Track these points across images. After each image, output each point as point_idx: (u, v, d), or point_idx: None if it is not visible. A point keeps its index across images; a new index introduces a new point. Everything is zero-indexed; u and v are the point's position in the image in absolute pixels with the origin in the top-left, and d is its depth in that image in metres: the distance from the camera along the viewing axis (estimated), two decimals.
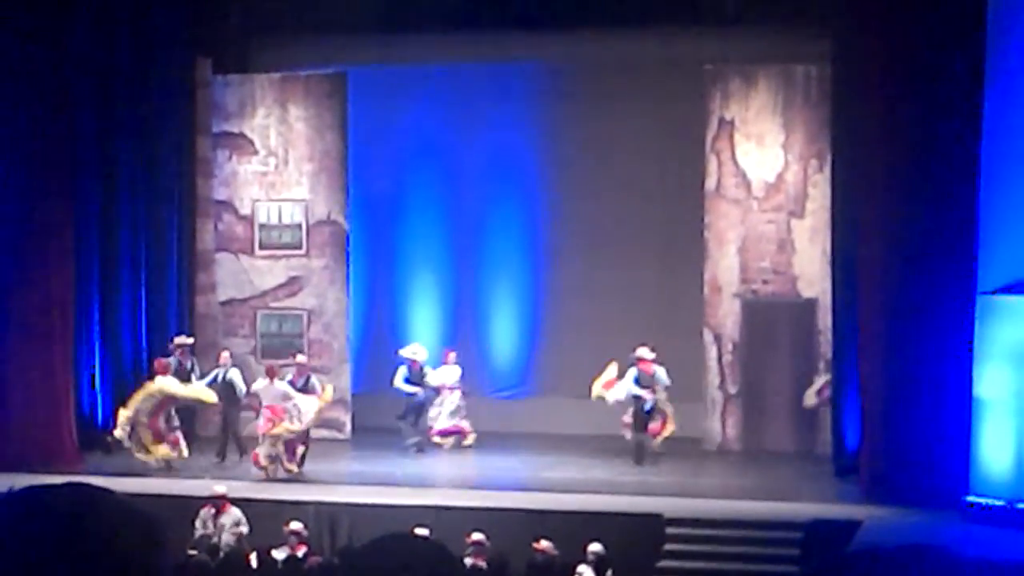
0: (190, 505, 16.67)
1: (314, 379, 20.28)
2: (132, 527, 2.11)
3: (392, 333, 23.29)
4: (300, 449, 19.33)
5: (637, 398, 20.38)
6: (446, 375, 21.81)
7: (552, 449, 21.14)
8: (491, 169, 23.63)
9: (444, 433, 21.73)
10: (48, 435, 20.11)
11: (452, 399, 21.78)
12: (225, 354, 21.44)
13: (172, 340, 21.38)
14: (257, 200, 23.42)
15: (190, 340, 21.47)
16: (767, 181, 21.79)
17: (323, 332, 23.13)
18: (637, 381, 20.35)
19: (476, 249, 23.89)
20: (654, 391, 20.35)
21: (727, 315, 21.99)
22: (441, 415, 21.75)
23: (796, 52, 21.60)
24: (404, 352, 21.44)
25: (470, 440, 21.76)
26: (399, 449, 21.22)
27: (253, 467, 19.16)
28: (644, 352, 20.45)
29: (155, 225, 22.86)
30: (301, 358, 21.00)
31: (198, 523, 16.64)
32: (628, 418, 20.60)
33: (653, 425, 20.29)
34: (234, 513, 16.82)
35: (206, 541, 16.22)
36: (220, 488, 17.08)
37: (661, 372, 20.44)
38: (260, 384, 19.76)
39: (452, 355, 22.00)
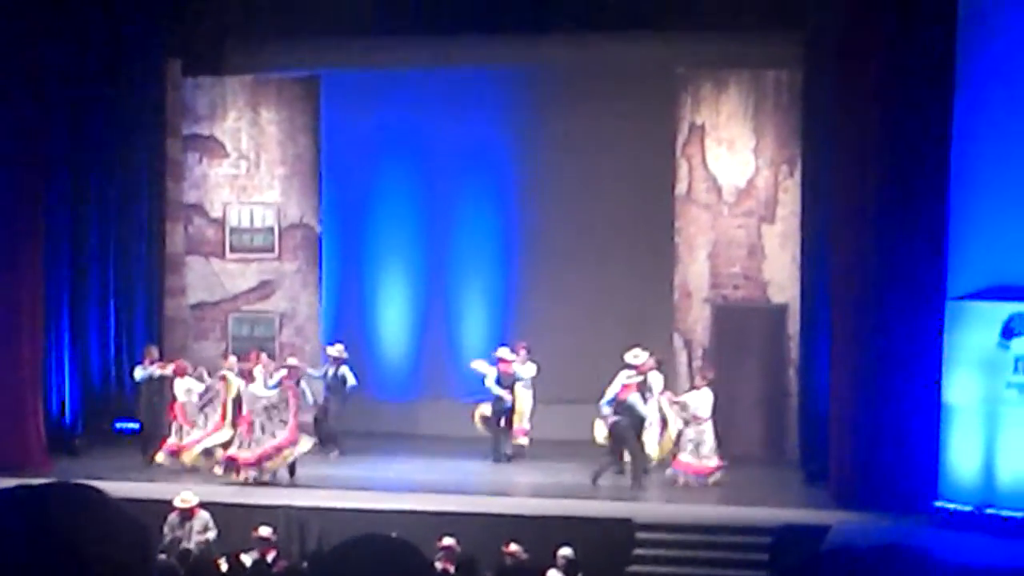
0: (157, 510, 16.54)
1: (303, 383, 20.23)
2: (123, 529, 2.10)
3: (364, 336, 23.25)
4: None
5: (498, 398, 20.63)
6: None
7: (523, 453, 21.11)
8: (464, 173, 23.62)
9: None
10: (15, 438, 19.97)
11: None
12: (339, 347, 21.43)
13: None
14: (228, 203, 23.36)
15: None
16: (738, 186, 21.84)
17: (295, 335, 23.09)
18: (498, 381, 20.61)
19: (448, 253, 23.88)
20: (512, 391, 20.57)
21: (697, 320, 22.03)
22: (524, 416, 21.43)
23: (767, 57, 21.64)
24: (497, 354, 21.15)
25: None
26: (380, 453, 21.22)
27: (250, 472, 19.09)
28: (504, 352, 20.70)
29: (125, 228, 22.80)
30: (292, 360, 20.83)
31: (166, 528, 16.56)
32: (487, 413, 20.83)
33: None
34: (202, 517, 16.75)
35: (175, 545, 16.15)
36: (189, 496, 16.97)
37: (525, 370, 20.60)
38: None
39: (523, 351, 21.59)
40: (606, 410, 19.43)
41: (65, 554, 2.02)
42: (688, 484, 19.11)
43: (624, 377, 19.41)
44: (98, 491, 2.14)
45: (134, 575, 2.09)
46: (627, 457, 19.35)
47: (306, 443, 19.41)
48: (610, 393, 19.35)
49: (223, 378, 20.24)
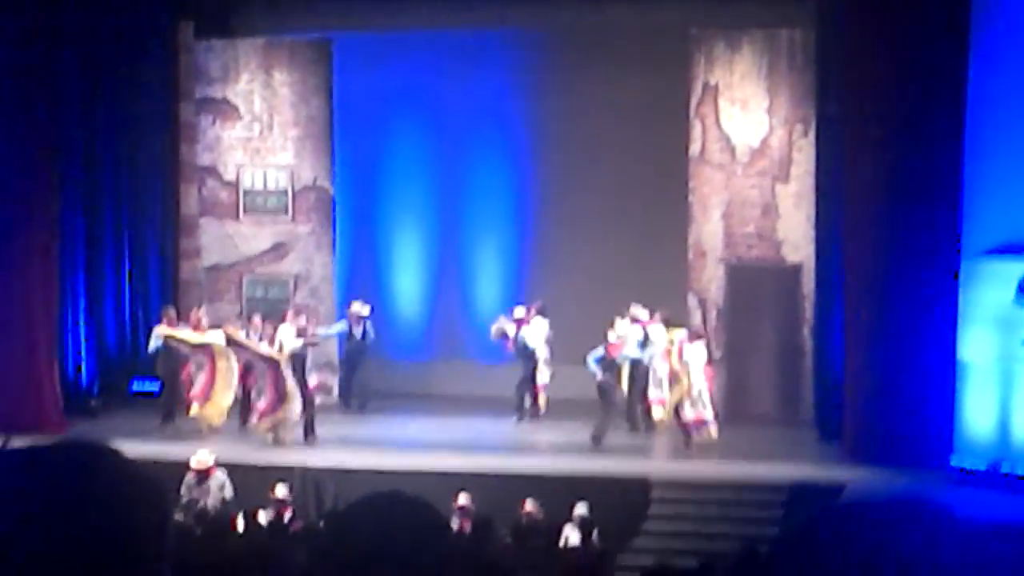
0: (174, 471, 16.59)
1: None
2: (139, 489, 2.10)
3: (378, 297, 23.28)
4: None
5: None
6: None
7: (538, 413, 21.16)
8: (476, 134, 23.60)
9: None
10: (32, 399, 20.04)
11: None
12: (359, 303, 21.72)
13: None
14: (241, 165, 23.36)
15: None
16: (751, 146, 21.77)
17: (310, 297, 23.11)
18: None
19: (461, 213, 23.88)
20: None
21: (711, 280, 22.01)
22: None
23: (780, 16, 21.54)
24: (515, 314, 21.09)
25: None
26: (395, 413, 21.36)
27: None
28: (520, 312, 20.83)
29: (139, 190, 22.84)
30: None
31: (183, 489, 16.64)
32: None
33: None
34: (219, 477, 16.83)
35: (192, 506, 16.23)
36: (205, 456, 17.04)
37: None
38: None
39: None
40: (594, 367, 19.52)
41: (78, 515, 2.02)
42: (695, 439, 19.00)
43: (613, 336, 19.54)
44: (113, 450, 2.14)
45: (150, 535, 2.09)
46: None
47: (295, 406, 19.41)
48: (599, 351, 19.43)
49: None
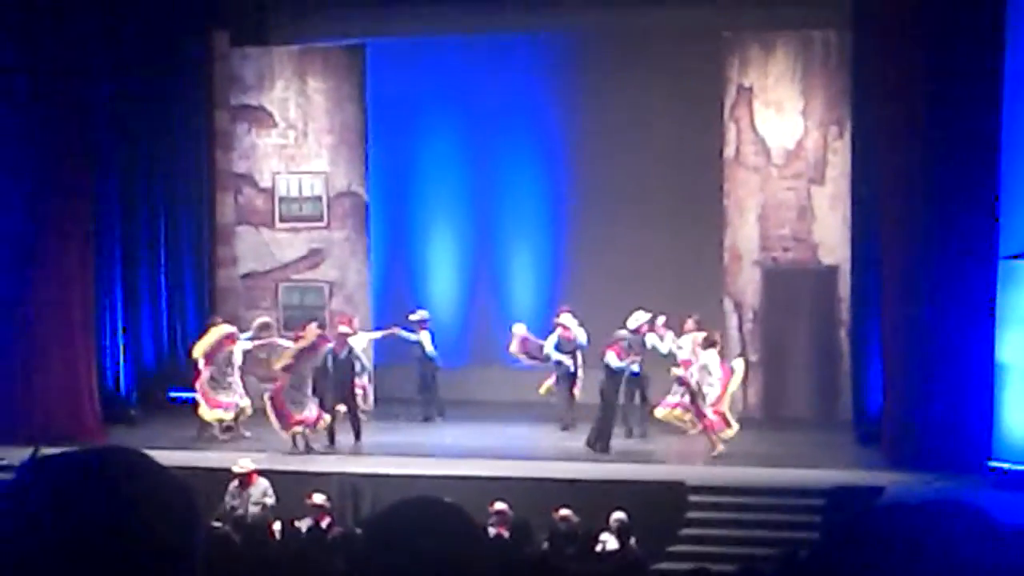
0: (216, 478, 16.68)
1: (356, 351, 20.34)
2: (171, 496, 2.11)
3: (413, 303, 23.30)
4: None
5: (559, 363, 20.66)
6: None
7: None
8: (510, 139, 23.61)
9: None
10: (71, 408, 20.17)
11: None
12: (423, 313, 21.74)
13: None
14: (277, 173, 23.45)
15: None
16: (786, 148, 21.73)
17: (345, 304, 23.16)
18: (558, 347, 20.65)
19: (496, 219, 23.90)
20: (574, 356, 20.50)
21: (747, 283, 21.97)
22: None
23: (814, 18, 21.51)
24: (558, 320, 21.05)
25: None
26: (424, 420, 21.41)
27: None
28: (565, 318, 20.70)
29: (175, 199, 22.96)
30: (344, 328, 20.95)
31: (227, 496, 16.71)
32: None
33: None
34: (261, 484, 16.88)
35: (232, 514, 16.28)
36: (247, 463, 17.11)
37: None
38: None
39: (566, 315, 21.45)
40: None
41: (107, 521, 2.03)
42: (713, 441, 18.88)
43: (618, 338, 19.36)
44: (142, 455, 2.15)
45: (178, 542, 2.09)
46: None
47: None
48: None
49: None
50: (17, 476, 2.08)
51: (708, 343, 19.22)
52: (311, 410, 19.25)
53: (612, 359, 19.20)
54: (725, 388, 19.16)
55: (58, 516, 2.01)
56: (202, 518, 2.19)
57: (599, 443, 19.11)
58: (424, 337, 21.57)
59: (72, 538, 2.01)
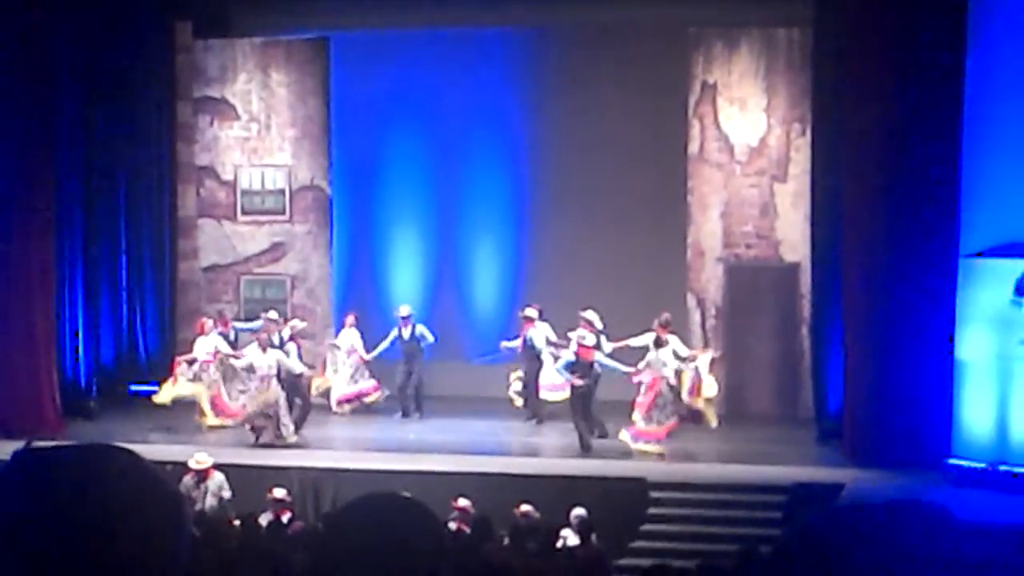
0: (176, 473, 16.58)
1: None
2: (157, 496, 2.09)
3: (375, 297, 23.27)
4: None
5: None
6: (346, 339, 21.74)
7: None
8: (473, 133, 23.56)
9: (344, 400, 21.68)
10: (30, 402, 20.02)
11: (350, 363, 21.66)
12: (407, 307, 21.62)
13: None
14: (239, 166, 23.37)
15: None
16: (750, 145, 21.79)
17: (306, 297, 23.12)
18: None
19: (459, 213, 23.85)
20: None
21: (710, 279, 22.03)
22: (340, 382, 21.62)
23: (778, 16, 21.55)
24: (523, 314, 21.03)
25: (374, 398, 21.76)
26: (385, 413, 21.34)
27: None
28: (531, 312, 20.62)
29: (137, 191, 22.82)
30: (296, 322, 20.96)
31: (181, 490, 16.58)
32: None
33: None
34: (217, 478, 16.81)
35: (190, 507, 16.20)
36: (204, 457, 17.01)
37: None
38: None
39: (351, 318, 21.83)
40: (565, 374, 19.19)
41: (92, 520, 2.01)
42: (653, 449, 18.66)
43: (577, 338, 19.20)
44: (131, 454, 2.12)
45: (166, 544, 2.07)
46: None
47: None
48: (570, 355, 19.18)
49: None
50: (4, 470, 2.06)
51: (658, 345, 19.01)
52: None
53: (601, 358, 19.08)
54: (696, 387, 19.05)
55: (45, 513, 1.99)
56: (189, 520, 2.17)
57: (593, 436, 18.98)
58: (422, 330, 21.49)
59: (59, 536, 1.98)
